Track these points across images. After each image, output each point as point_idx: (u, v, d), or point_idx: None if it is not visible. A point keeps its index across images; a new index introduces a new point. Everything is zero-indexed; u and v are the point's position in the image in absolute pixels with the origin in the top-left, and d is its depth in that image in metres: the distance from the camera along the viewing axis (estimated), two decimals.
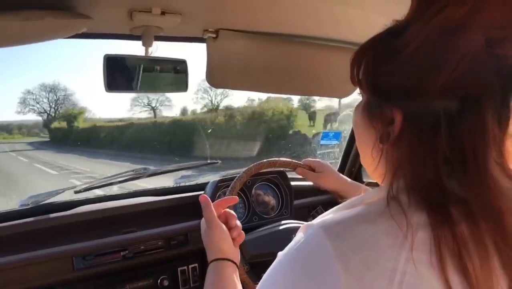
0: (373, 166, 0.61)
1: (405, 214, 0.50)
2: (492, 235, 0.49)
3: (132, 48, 1.01)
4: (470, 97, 0.50)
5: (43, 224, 1.28)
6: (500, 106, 0.51)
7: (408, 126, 0.53)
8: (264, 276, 0.58)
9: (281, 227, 1.25)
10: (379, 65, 0.56)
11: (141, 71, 0.98)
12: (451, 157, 0.51)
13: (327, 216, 0.56)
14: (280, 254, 0.57)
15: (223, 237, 0.93)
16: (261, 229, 1.34)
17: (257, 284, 0.60)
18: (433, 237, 0.49)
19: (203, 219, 0.97)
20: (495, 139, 0.50)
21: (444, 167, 0.52)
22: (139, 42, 1.01)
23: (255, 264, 1.14)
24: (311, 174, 1.35)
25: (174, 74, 1.03)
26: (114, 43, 1.00)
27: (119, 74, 0.94)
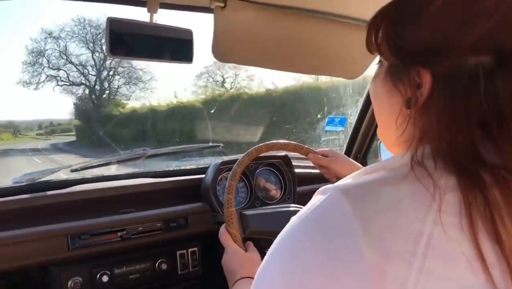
0: (396, 135, 0.57)
1: (432, 177, 0.47)
2: None
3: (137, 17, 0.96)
4: (506, 51, 0.46)
5: (37, 202, 1.23)
6: None
7: (438, 87, 0.49)
8: (277, 239, 0.53)
9: (286, 209, 1.21)
10: (402, 24, 0.52)
11: (145, 38, 0.93)
12: (487, 118, 0.47)
13: (345, 180, 0.52)
14: (293, 218, 0.53)
15: (234, 258, 1.03)
16: (264, 207, 1.30)
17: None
18: (463, 199, 0.45)
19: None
20: None
21: (478, 130, 0.48)
22: (144, 10, 0.97)
23: (253, 241, 1.10)
24: (324, 159, 1.29)
25: (180, 44, 0.99)
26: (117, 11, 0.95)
27: (122, 39, 0.89)
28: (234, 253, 1.04)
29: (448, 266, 0.44)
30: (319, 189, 0.53)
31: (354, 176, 0.53)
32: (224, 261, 1.04)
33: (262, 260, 0.56)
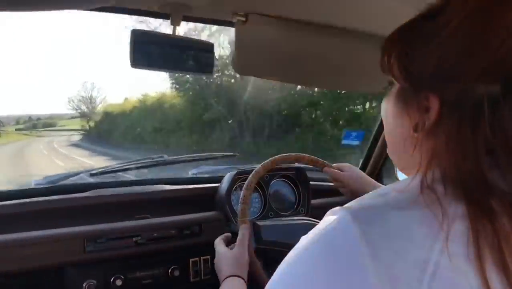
0: (404, 157, 0.58)
1: (441, 204, 0.46)
2: None
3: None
4: None
5: (57, 204, 1.27)
6: None
7: (446, 113, 0.49)
8: (285, 259, 0.53)
9: (299, 222, 1.22)
10: (413, 49, 0.52)
11: (167, 50, 0.95)
12: (494, 145, 0.47)
13: (356, 201, 0.52)
14: (302, 238, 0.53)
15: (221, 258, 1.09)
16: (278, 219, 1.31)
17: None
18: (471, 228, 0.45)
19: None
20: None
21: (485, 157, 0.47)
22: (167, 23, 0.99)
23: (265, 252, 1.11)
24: (339, 172, 1.29)
25: (201, 56, 1.01)
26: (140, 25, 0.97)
27: (145, 50, 0.91)
28: (221, 254, 1.10)
29: None
30: (330, 210, 0.53)
31: (365, 198, 0.53)
32: (215, 262, 1.11)
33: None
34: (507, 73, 0.46)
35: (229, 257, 1.08)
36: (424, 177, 0.50)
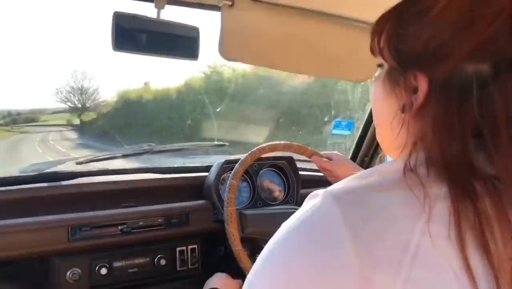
0: (391, 139, 0.57)
1: (423, 185, 0.46)
2: None
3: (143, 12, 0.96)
4: (504, 60, 0.45)
5: (42, 192, 1.25)
6: None
7: (434, 93, 0.49)
8: (267, 246, 0.53)
9: (286, 210, 1.21)
10: (402, 28, 0.52)
11: (151, 33, 0.93)
12: (482, 126, 0.46)
13: (338, 184, 0.52)
14: (283, 224, 0.53)
15: (219, 278, 1.14)
16: (265, 208, 1.30)
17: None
18: (453, 209, 0.44)
19: None
20: None
21: (472, 139, 0.47)
22: (151, 5, 0.97)
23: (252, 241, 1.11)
24: (327, 161, 1.28)
25: (186, 41, 0.99)
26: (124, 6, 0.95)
27: (127, 34, 0.89)
28: (221, 276, 1.14)
29: (434, 277, 0.43)
30: (311, 193, 0.52)
31: (348, 180, 0.53)
32: (208, 281, 1.15)
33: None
34: (496, 53, 0.46)
35: (228, 283, 1.13)
36: (408, 159, 0.49)
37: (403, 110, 0.53)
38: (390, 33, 0.54)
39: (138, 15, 0.92)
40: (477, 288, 0.42)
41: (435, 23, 0.49)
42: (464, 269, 0.43)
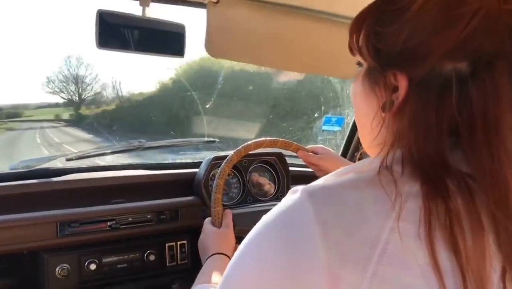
0: (370, 137, 0.57)
1: (396, 183, 0.47)
2: (492, 210, 0.45)
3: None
4: (482, 58, 0.46)
5: (32, 189, 1.26)
6: None
7: (413, 92, 0.49)
8: (245, 240, 0.55)
9: (272, 207, 1.21)
10: (381, 26, 0.52)
11: (136, 31, 0.94)
12: (459, 124, 0.47)
13: (317, 182, 0.52)
14: (263, 218, 0.54)
15: (207, 235, 1.12)
16: (255, 205, 1.31)
17: None
18: (424, 207, 0.45)
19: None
20: (511, 105, 0.46)
21: (448, 138, 0.48)
22: (136, 3, 0.97)
23: (240, 239, 1.11)
24: (313, 156, 1.28)
25: (172, 38, 0.99)
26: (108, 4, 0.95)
27: (112, 31, 0.90)
28: (208, 231, 1.12)
29: (402, 274, 0.44)
30: (292, 189, 0.54)
31: (326, 177, 0.54)
32: (199, 240, 1.13)
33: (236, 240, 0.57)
34: (474, 52, 0.46)
35: (218, 235, 1.11)
36: (385, 158, 0.50)
37: (383, 109, 0.53)
38: (368, 32, 0.54)
39: (122, 12, 0.92)
40: (444, 285, 0.43)
41: (414, 22, 0.49)
42: (431, 267, 0.44)
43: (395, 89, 0.51)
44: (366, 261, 0.44)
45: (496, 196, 0.45)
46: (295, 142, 1.28)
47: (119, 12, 0.91)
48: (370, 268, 0.44)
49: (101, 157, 1.45)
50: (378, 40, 0.52)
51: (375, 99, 0.54)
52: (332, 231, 0.46)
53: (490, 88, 0.45)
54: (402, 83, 0.50)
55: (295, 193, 0.51)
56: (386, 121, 0.53)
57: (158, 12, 1.00)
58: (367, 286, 0.44)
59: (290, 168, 1.55)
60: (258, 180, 1.50)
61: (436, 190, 0.45)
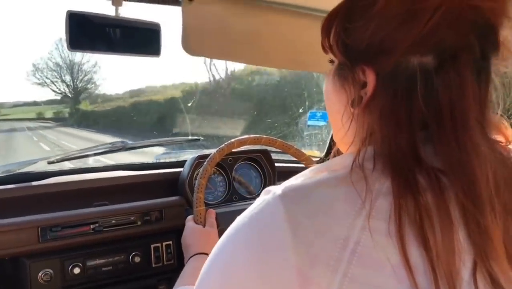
0: (342, 133, 0.58)
1: (367, 181, 0.46)
2: (461, 201, 0.45)
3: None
4: (446, 52, 0.47)
5: (13, 193, 1.24)
6: (479, 61, 0.47)
7: (381, 87, 0.50)
8: (220, 240, 0.56)
9: None
10: (350, 23, 0.53)
11: (109, 31, 0.92)
12: (428, 117, 0.47)
13: (289, 181, 0.52)
14: (237, 218, 0.55)
15: (191, 233, 1.11)
16: (240, 203, 1.30)
17: None
18: (394, 204, 0.45)
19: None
20: (476, 96, 0.47)
21: (419, 131, 0.48)
22: (109, 3, 0.96)
23: None
24: None
25: (146, 37, 0.98)
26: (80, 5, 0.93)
27: (83, 32, 0.88)
28: (191, 229, 1.12)
29: (373, 273, 0.44)
30: (265, 189, 0.54)
31: (298, 176, 0.54)
32: (182, 237, 1.12)
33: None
34: (437, 45, 0.47)
35: (201, 234, 1.10)
36: (357, 155, 0.50)
37: (352, 105, 0.53)
38: (338, 29, 0.55)
39: (94, 13, 0.90)
40: (415, 282, 0.43)
41: (379, 17, 0.49)
42: (402, 264, 0.43)
43: (364, 85, 0.51)
44: (336, 261, 0.44)
45: (464, 186, 0.45)
46: (279, 139, 1.27)
47: (90, 13, 0.89)
48: (340, 269, 0.44)
49: (84, 159, 1.42)
50: (347, 36, 0.53)
51: (345, 95, 0.55)
52: (303, 232, 0.45)
53: (455, 81, 0.46)
54: (370, 78, 0.50)
55: (267, 194, 0.51)
56: (356, 116, 0.54)
57: (133, 11, 0.98)
58: (338, 287, 0.44)
59: (276, 164, 1.55)
60: (244, 177, 1.50)
61: (406, 186, 0.45)
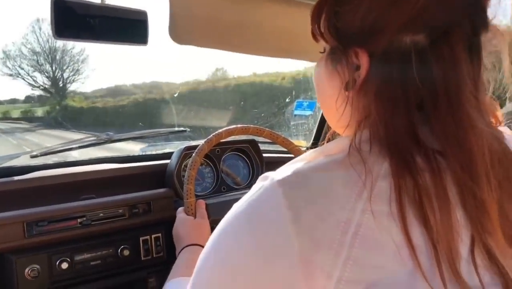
0: (336, 117, 0.58)
1: (365, 163, 0.47)
2: (458, 176, 0.45)
3: None
4: (438, 29, 0.47)
5: None
6: (470, 37, 0.48)
7: (375, 68, 0.50)
8: (217, 229, 0.55)
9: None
10: (340, 6, 0.53)
11: (95, 19, 0.90)
12: (424, 95, 0.48)
13: (286, 166, 0.52)
14: (234, 206, 0.54)
15: (182, 225, 1.11)
16: (229, 194, 1.29)
17: None
18: (394, 185, 0.45)
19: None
20: (469, 72, 0.47)
21: (417, 113, 0.48)
22: None
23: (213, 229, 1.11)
24: None
25: (133, 25, 0.96)
26: None
27: (69, 20, 0.85)
28: (183, 220, 1.11)
29: (376, 254, 0.44)
30: (262, 176, 0.54)
31: (294, 161, 0.54)
32: (174, 229, 1.12)
33: (211, 230, 0.57)
34: (429, 23, 0.47)
35: (193, 226, 1.10)
36: (353, 138, 0.50)
37: (346, 88, 0.53)
38: (329, 13, 0.55)
39: (79, 0, 0.88)
40: (418, 262, 0.43)
41: None
42: (405, 244, 0.44)
43: (358, 67, 0.52)
44: (339, 245, 0.44)
45: (461, 160, 0.46)
46: (267, 129, 1.27)
47: (75, 0, 0.87)
48: (343, 252, 0.44)
49: (68, 152, 1.39)
50: (338, 20, 0.53)
51: (338, 78, 0.55)
52: (304, 217, 0.45)
53: (448, 57, 0.47)
54: (364, 60, 0.50)
55: (265, 180, 0.51)
56: (350, 99, 0.54)
57: None
58: (341, 270, 0.44)
59: (264, 154, 1.54)
60: (232, 168, 1.50)
61: (405, 166, 0.46)
